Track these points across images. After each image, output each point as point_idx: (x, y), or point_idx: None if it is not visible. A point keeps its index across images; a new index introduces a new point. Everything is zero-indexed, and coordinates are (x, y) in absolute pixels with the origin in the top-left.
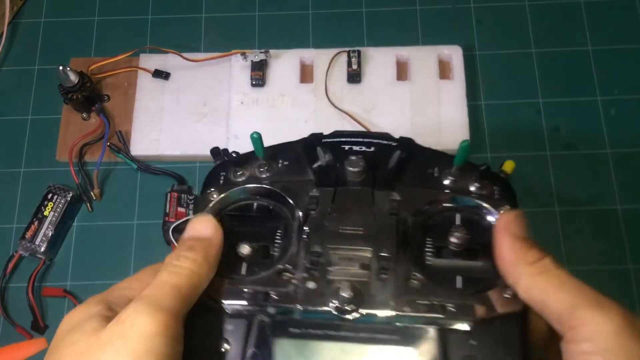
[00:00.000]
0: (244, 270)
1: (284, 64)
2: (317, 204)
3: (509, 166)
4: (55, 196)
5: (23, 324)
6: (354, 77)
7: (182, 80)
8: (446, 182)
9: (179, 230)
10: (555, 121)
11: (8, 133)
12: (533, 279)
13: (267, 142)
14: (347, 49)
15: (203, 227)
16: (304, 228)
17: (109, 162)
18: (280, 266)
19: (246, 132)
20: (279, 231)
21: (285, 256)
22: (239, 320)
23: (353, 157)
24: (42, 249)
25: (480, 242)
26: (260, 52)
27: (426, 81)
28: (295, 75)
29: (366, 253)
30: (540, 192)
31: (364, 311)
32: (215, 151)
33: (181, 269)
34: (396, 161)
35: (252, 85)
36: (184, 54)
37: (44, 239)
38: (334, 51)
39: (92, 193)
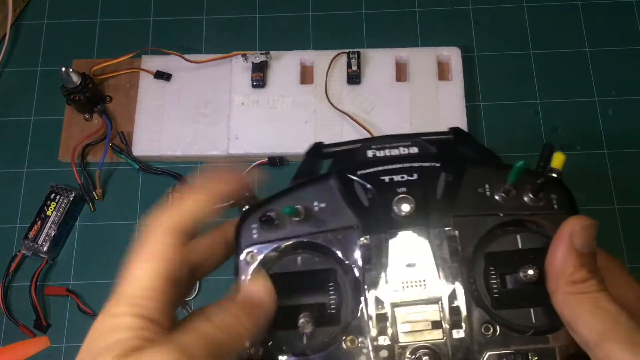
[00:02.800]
0: (305, 340)
1: (285, 65)
2: (370, 256)
3: (558, 161)
4: (58, 196)
5: (26, 323)
6: (354, 78)
7: (183, 81)
8: (499, 198)
9: None
10: (553, 122)
11: (11, 134)
12: (568, 297)
13: (268, 142)
14: (347, 50)
15: (258, 291)
16: (364, 287)
17: (111, 162)
18: (345, 336)
19: (247, 133)
20: (330, 285)
21: (347, 321)
22: None
23: (400, 196)
24: (45, 249)
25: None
26: (261, 54)
27: (425, 82)
28: (295, 77)
29: (435, 308)
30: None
31: None
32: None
33: (228, 328)
34: (444, 187)
35: (253, 86)
36: (186, 56)
37: (46, 238)
38: (333, 52)
39: (94, 193)
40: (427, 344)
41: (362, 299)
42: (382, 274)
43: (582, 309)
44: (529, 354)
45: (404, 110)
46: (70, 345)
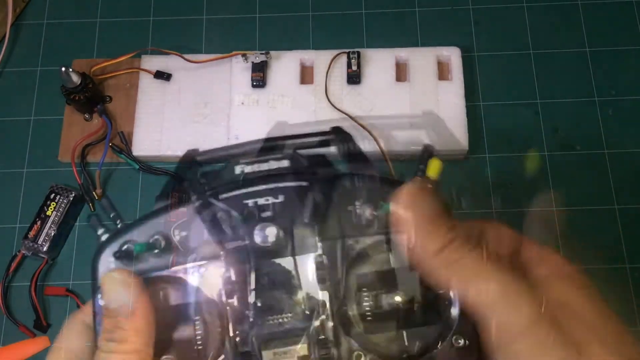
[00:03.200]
0: None
1: (285, 65)
2: (232, 290)
3: (434, 169)
4: (58, 196)
5: (26, 323)
6: (354, 78)
7: (183, 81)
8: (369, 216)
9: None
10: (553, 122)
11: (11, 134)
12: (446, 270)
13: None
14: (347, 50)
15: (122, 297)
16: (228, 327)
17: (110, 162)
18: None
19: (247, 133)
20: (196, 319)
21: (215, 358)
22: None
23: (263, 222)
24: (45, 249)
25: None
26: (261, 54)
27: (425, 82)
28: (295, 77)
29: (303, 342)
30: (538, 192)
31: None
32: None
33: (115, 355)
34: (312, 208)
35: (253, 86)
36: (185, 56)
37: (46, 238)
38: (333, 52)
39: (94, 193)
40: None
41: (226, 332)
42: (247, 309)
43: (460, 279)
44: None
45: (404, 110)
46: None
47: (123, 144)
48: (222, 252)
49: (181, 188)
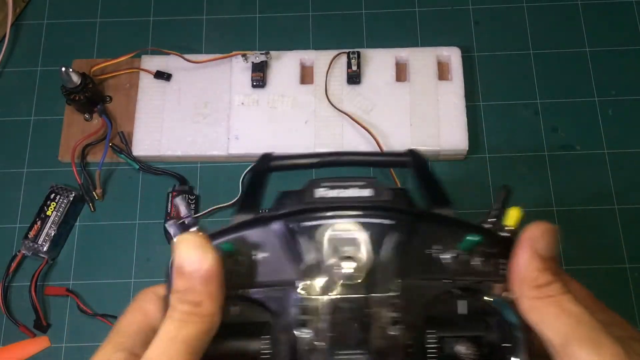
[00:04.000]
0: None
1: (285, 65)
2: (305, 321)
3: (513, 217)
4: (58, 196)
5: (26, 323)
6: (354, 78)
7: (183, 81)
8: (448, 261)
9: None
10: (553, 122)
11: (11, 134)
12: (534, 302)
13: (268, 142)
14: (347, 50)
15: (198, 259)
16: (302, 355)
17: (111, 162)
18: None
19: (247, 133)
20: (266, 338)
21: None
22: None
23: (345, 257)
24: (45, 249)
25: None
26: (261, 54)
27: (425, 82)
28: (295, 77)
29: None
30: (538, 192)
31: None
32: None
33: (189, 315)
34: (392, 248)
35: (253, 86)
36: (185, 56)
37: (46, 238)
38: (333, 52)
39: (94, 193)
40: None
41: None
42: (318, 340)
43: (546, 312)
44: None
45: (404, 110)
46: (70, 346)
47: (123, 144)
48: (297, 280)
49: (181, 188)
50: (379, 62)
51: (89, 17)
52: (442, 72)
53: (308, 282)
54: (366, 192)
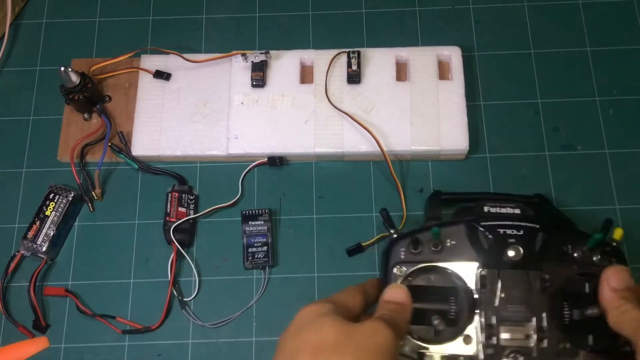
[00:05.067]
0: (433, 334)
1: (284, 64)
2: (485, 284)
3: (618, 235)
4: (57, 196)
5: (25, 323)
6: (354, 77)
7: (182, 81)
8: (576, 256)
9: (180, 230)
10: (554, 121)
11: (10, 133)
12: (616, 317)
13: (268, 142)
14: (347, 49)
15: (400, 295)
16: (480, 306)
17: (110, 162)
18: (465, 334)
19: (246, 133)
20: (452, 298)
21: (465, 325)
22: None
23: (512, 245)
24: (44, 249)
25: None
26: (261, 53)
27: (425, 82)
28: (295, 76)
29: (527, 325)
30: (538, 192)
31: None
32: (385, 215)
33: (393, 316)
34: (540, 243)
35: (253, 85)
36: (185, 55)
37: (45, 238)
38: (333, 52)
39: (93, 193)
40: (520, 348)
41: (477, 311)
42: (493, 297)
43: (624, 320)
44: None
45: (404, 110)
46: (69, 346)
47: (122, 144)
48: (478, 259)
49: (180, 188)
50: (379, 61)
51: (88, 16)
52: (443, 71)
53: (485, 260)
54: (517, 210)
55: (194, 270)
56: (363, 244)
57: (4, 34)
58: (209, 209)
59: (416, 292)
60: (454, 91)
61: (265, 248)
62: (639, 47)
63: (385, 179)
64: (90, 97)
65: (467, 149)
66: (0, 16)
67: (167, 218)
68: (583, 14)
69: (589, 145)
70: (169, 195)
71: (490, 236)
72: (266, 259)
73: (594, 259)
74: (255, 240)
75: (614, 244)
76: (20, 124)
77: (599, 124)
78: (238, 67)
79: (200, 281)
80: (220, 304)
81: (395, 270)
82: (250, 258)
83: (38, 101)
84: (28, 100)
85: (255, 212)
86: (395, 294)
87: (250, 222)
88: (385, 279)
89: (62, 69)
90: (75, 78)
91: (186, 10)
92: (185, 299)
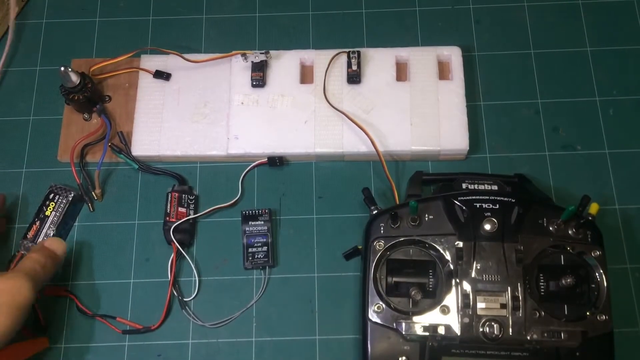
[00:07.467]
0: (411, 305)
1: (284, 64)
2: (462, 256)
3: (594, 209)
4: (57, 196)
5: (25, 324)
6: (354, 77)
7: (182, 81)
8: (552, 229)
9: (180, 230)
10: (554, 121)
11: (10, 133)
12: None
13: (268, 142)
14: (347, 49)
15: (57, 246)
16: (456, 277)
17: (110, 162)
18: (443, 304)
19: (246, 133)
20: (430, 271)
21: (443, 296)
22: (414, 343)
23: (488, 218)
24: None
25: (578, 275)
26: (261, 53)
27: (425, 82)
28: (295, 76)
29: (502, 295)
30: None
31: (505, 338)
32: (367, 193)
33: (37, 270)
34: (516, 216)
35: (253, 85)
36: (185, 55)
37: (45, 238)
38: (333, 52)
39: (93, 193)
40: (495, 317)
41: (453, 283)
42: (469, 269)
43: None
44: (561, 332)
45: (404, 110)
46: (69, 346)
47: (122, 144)
48: (455, 232)
49: (180, 188)
50: (379, 61)
51: (88, 16)
52: (443, 71)
53: (462, 233)
54: (494, 187)
55: (194, 270)
56: (359, 247)
57: (3, 34)
58: (209, 209)
59: (395, 266)
60: (454, 91)
61: (265, 248)
62: (639, 47)
63: (385, 179)
64: (90, 97)
65: (467, 149)
66: (1, 16)
67: (167, 218)
68: (583, 14)
69: (589, 145)
70: (169, 195)
71: (466, 210)
72: (266, 259)
73: (570, 232)
74: (255, 241)
75: (590, 218)
76: (20, 124)
77: (599, 124)
78: (238, 67)
79: (200, 281)
80: (220, 304)
81: (375, 244)
82: (250, 258)
83: (38, 101)
84: (28, 100)
85: (255, 212)
86: (54, 243)
87: (250, 222)
88: None
89: (62, 69)
90: (75, 78)
91: (186, 10)
92: (185, 299)
